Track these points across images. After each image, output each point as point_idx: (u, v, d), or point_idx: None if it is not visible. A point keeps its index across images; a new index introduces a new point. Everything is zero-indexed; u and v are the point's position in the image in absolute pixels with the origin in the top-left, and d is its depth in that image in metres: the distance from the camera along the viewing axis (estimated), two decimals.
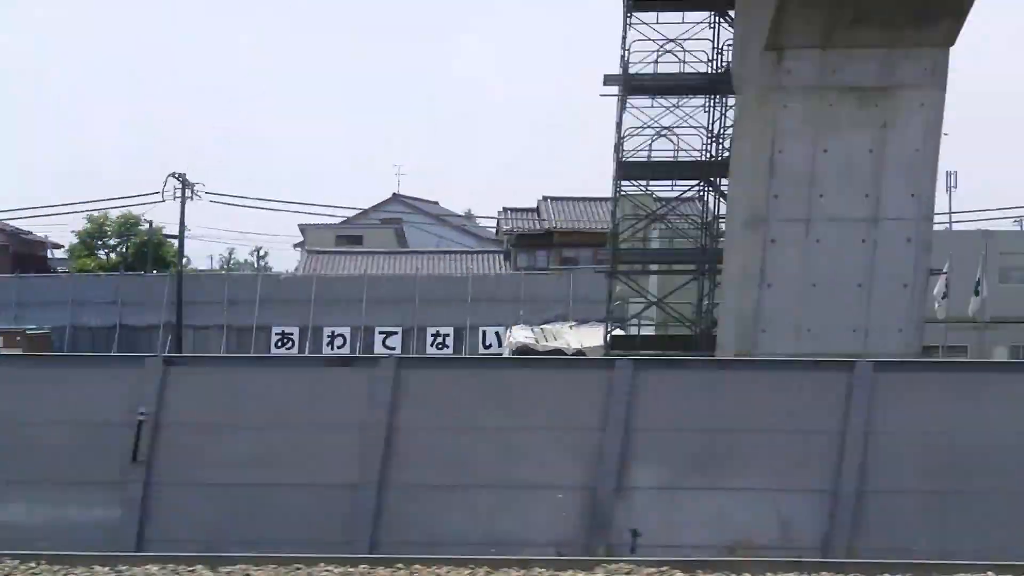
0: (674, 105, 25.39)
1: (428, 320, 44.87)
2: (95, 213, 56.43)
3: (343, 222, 68.97)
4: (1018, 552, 11.15)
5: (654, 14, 25.50)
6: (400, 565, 10.67)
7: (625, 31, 25.13)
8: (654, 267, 29.83)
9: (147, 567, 10.57)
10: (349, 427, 11.75)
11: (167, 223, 57.34)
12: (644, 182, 27.09)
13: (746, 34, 20.07)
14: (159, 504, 11.67)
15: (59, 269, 59.03)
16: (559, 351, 33.57)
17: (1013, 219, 59.43)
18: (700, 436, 11.76)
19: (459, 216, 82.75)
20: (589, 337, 35.04)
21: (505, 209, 58.51)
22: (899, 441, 11.65)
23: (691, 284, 26.46)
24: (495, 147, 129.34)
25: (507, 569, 10.61)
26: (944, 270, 37.65)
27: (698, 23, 25.28)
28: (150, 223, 54.87)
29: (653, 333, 28.26)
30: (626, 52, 25.23)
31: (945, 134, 18.62)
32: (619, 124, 25.57)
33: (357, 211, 72.00)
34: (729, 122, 24.24)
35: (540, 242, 53.66)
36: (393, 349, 44.93)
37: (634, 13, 25.04)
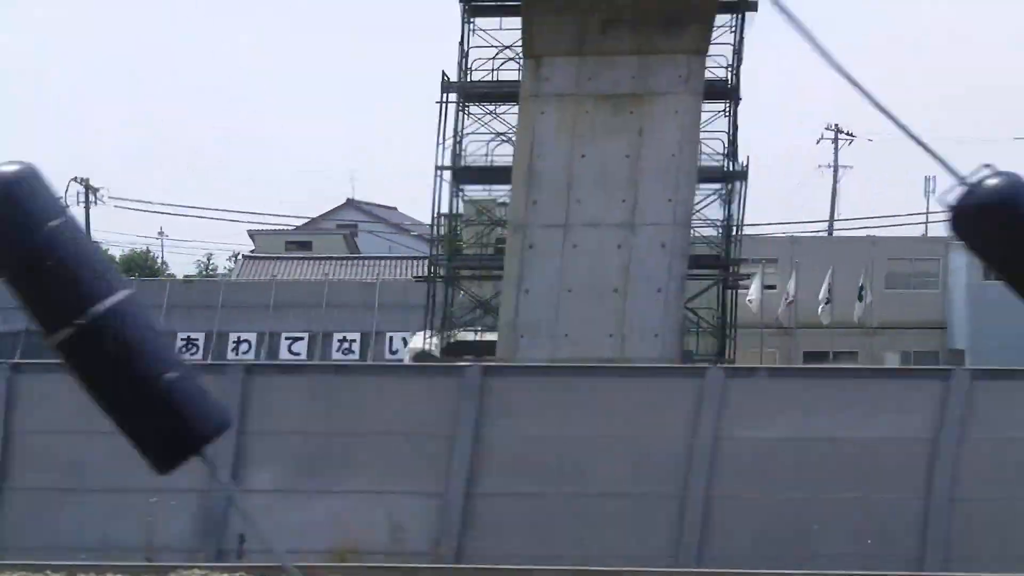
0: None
1: (336, 326, 44.87)
2: None
3: (295, 228, 69.05)
4: (633, 553, 11.16)
5: (495, 19, 25.74)
6: None
7: (463, 38, 25.30)
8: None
9: None
10: None
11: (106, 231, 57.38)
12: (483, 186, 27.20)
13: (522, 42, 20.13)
14: None
15: None
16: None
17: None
18: (315, 439, 11.78)
19: (419, 222, 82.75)
20: None
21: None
22: (506, 446, 11.65)
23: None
24: None
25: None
26: (827, 277, 37.87)
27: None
28: None
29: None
30: (464, 58, 25.38)
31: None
32: (456, 129, 25.70)
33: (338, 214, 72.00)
34: None
35: None
36: (299, 355, 44.97)
37: (473, 20, 25.19)
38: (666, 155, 18.49)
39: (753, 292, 37.38)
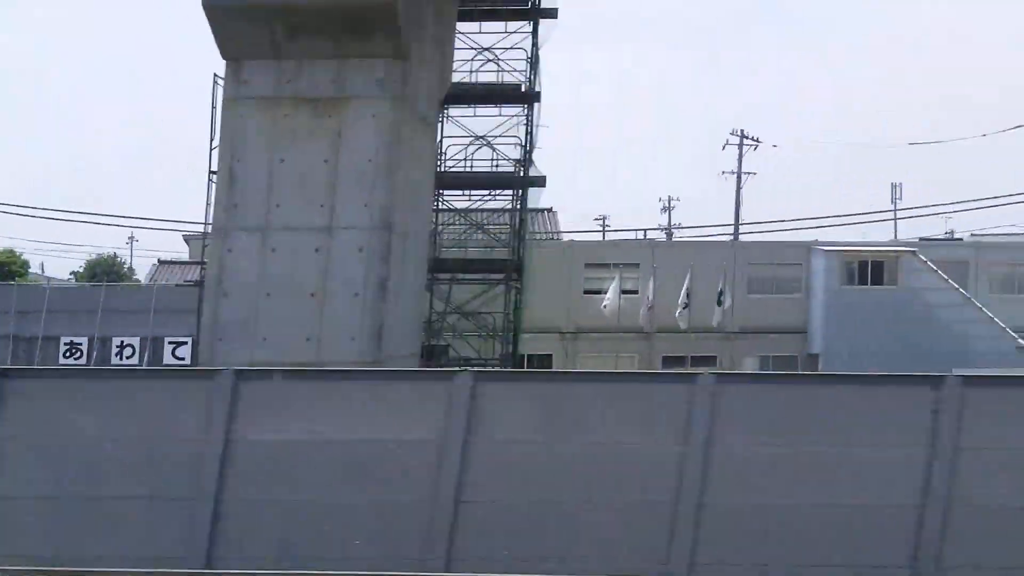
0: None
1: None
2: None
3: None
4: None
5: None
6: None
7: None
8: None
9: None
10: None
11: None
12: None
13: None
14: None
15: None
16: None
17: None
18: None
19: None
20: None
21: None
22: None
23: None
24: None
25: None
26: (685, 282, 37.63)
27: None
28: None
29: None
30: None
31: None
32: None
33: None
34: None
35: None
36: (183, 359, 44.84)
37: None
38: (364, 159, 18.34)
39: (610, 297, 37.20)
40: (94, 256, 77.90)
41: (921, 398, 10.46)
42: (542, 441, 10.61)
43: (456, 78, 26.62)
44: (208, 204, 18.63)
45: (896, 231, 57.78)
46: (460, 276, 27.63)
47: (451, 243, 27.91)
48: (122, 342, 45.98)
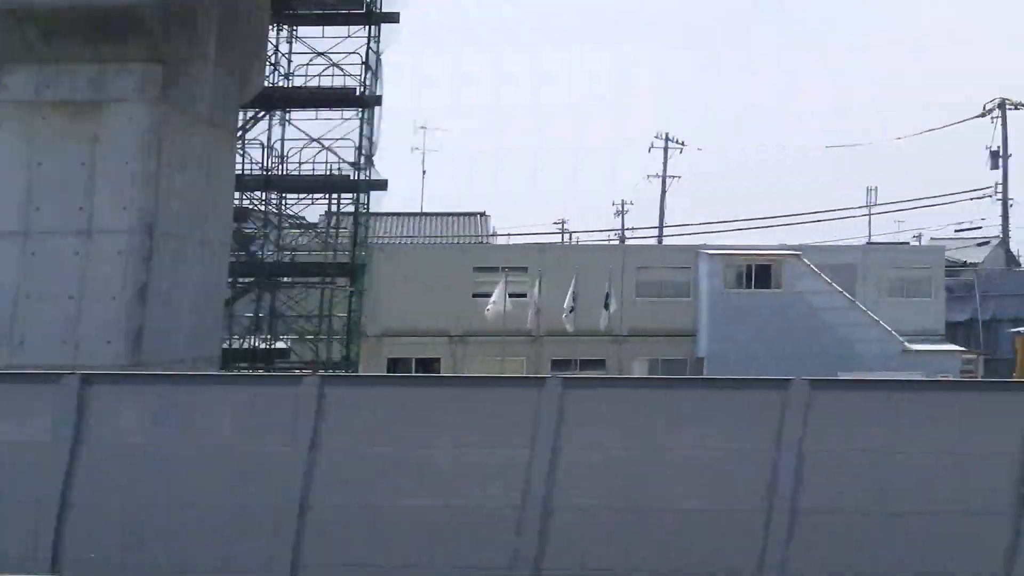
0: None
1: None
2: None
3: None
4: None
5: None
6: None
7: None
8: None
9: None
10: None
11: None
12: None
13: None
14: None
15: None
16: None
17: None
18: None
19: None
20: None
21: None
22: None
23: None
24: None
25: None
26: (571, 285, 37.50)
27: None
28: None
29: None
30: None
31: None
32: None
33: None
34: None
35: None
36: None
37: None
38: (122, 163, 18.26)
39: (494, 300, 37.06)
40: None
41: (768, 401, 10.33)
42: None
43: (298, 82, 26.66)
44: None
45: (871, 232, 57.58)
46: (298, 280, 27.58)
47: (290, 247, 27.88)
48: None
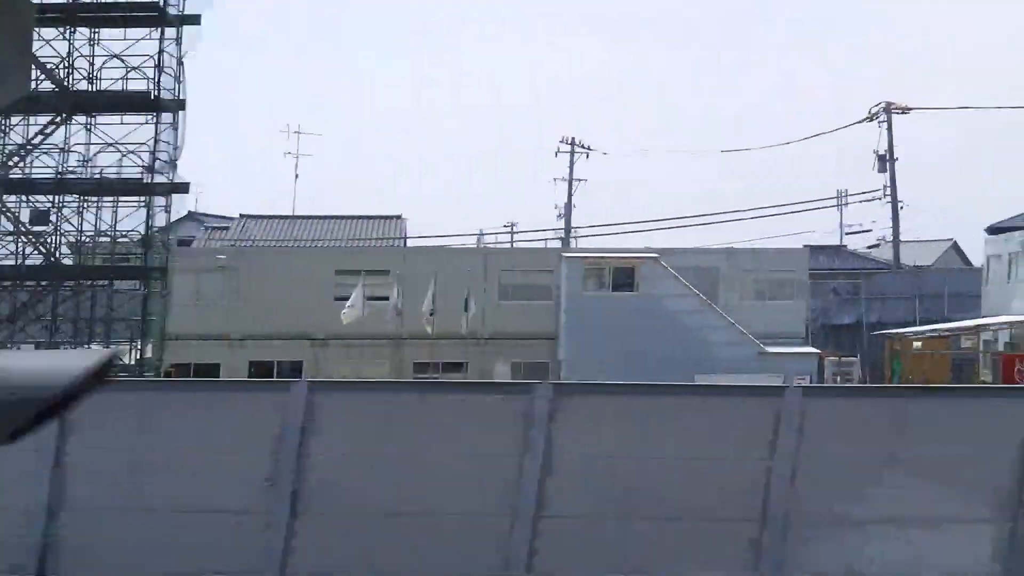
0: None
1: None
2: None
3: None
4: None
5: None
6: None
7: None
8: None
9: None
10: None
11: None
12: None
13: None
14: None
15: None
16: None
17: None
18: None
19: None
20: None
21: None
22: None
23: None
24: None
25: None
26: (430, 288, 37.38)
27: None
28: None
29: None
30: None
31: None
32: None
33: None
34: None
35: None
36: None
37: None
38: None
39: (352, 303, 36.90)
40: None
41: (517, 405, 10.08)
42: None
43: (105, 85, 26.48)
44: None
45: (841, 236, 57.42)
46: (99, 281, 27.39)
47: (89, 248, 27.68)
48: None
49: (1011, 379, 30.41)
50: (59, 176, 24.90)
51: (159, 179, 26.06)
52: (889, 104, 48.50)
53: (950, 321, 42.33)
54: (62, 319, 25.98)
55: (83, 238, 26.06)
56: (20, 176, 26.44)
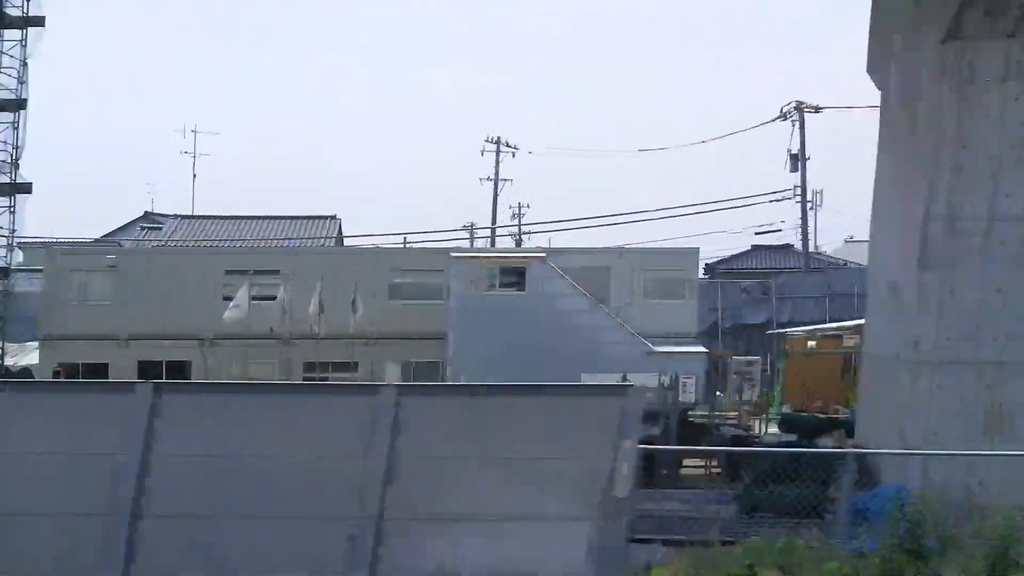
0: None
1: None
2: None
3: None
4: None
5: None
6: None
7: None
8: None
9: None
10: None
11: None
12: None
13: None
14: None
15: None
16: None
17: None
18: None
19: None
20: None
21: None
22: None
23: None
24: None
25: None
26: (317, 288, 37.21)
27: None
28: None
29: None
30: None
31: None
32: None
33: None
34: None
35: None
36: None
37: None
38: None
39: (236, 303, 36.71)
40: None
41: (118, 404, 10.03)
42: None
43: None
44: None
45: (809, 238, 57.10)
46: None
47: None
48: None
49: None
50: None
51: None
52: (800, 104, 48.56)
53: (859, 319, 42.31)
54: None
55: None
56: None
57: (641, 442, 17.84)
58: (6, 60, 26.02)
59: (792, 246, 57.31)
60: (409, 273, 39.18)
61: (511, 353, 35.17)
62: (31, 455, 9.93)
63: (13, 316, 37.54)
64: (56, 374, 37.28)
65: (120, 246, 68.49)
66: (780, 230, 50.17)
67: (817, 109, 48.98)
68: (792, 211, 49.42)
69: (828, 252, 59.30)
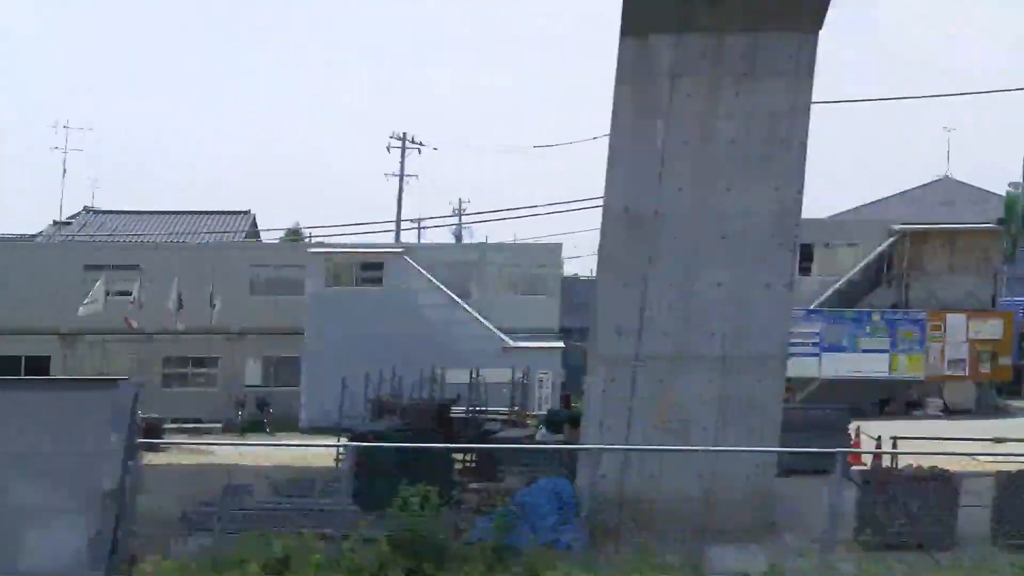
0: None
1: None
2: None
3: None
4: None
5: None
6: None
7: None
8: None
9: None
10: None
11: None
12: None
13: None
14: None
15: None
16: None
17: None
18: None
19: None
20: None
21: None
22: None
23: None
24: None
25: None
26: (174, 284, 37.08)
27: None
28: None
29: None
30: None
31: None
32: None
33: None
34: None
35: None
36: None
37: None
38: None
39: (92, 298, 36.56)
40: None
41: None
42: None
43: None
44: None
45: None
46: None
47: None
48: None
49: None
50: None
51: None
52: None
53: None
54: None
55: None
56: None
57: (366, 436, 17.87)
58: None
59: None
60: (269, 268, 39.05)
61: (367, 347, 35.19)
62: None
63: None
64: None
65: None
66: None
67: None
68: None
69: None
